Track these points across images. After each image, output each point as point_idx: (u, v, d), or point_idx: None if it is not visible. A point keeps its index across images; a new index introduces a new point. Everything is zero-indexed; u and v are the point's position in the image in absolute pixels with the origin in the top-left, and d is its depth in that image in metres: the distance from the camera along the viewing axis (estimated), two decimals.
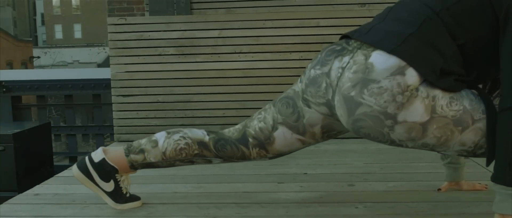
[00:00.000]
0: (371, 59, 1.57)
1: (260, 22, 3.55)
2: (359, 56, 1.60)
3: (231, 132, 1.93)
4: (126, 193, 2.01)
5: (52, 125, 5.34)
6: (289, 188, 2.34)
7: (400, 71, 1.53)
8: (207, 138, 1.93)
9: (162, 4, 3.71)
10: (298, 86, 1.83)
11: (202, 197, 2.21)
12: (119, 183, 1.98)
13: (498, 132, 1.53)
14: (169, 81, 3.61)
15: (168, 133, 1.96)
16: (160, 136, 1.96)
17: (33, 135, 4.36)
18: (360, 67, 1.58)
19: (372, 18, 1.78)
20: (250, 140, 1.88)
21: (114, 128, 3.68)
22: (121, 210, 2.00)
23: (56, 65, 28.65)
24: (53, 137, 5.37)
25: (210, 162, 1.98)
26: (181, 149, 1.92)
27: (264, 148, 1.88)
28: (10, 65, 27.49)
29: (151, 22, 3.60)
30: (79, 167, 1.96)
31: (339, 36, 3.40)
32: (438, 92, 1.56)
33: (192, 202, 2.14)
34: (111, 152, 1.98)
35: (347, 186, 2.35)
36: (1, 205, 2.22)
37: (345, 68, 1.62)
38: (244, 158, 1.93)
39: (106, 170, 1.95)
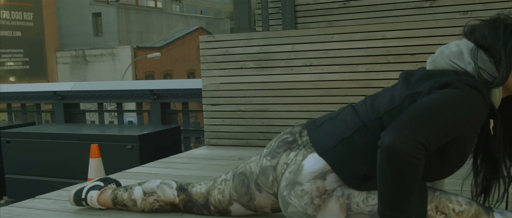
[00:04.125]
0: (304, 161, 1.71)
1: (329, 36, 3.68)
2: (300, 156, 1.74)
3: (198, 195, 2.12)
4: None
5: (192, 129, 6.07)
6: None
7: (322, 176, 1.67)
8: (177, 200, 2.15)
9: (245, 22, 4.06)
10: (254, 167, 1.94)
11: None
12: None
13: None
14: (249, 92, 3.95)
15: (145, 194, 2.19)
16: (138, 196, 2.19)
17: (160, 136, 5.07)
18: (295, 168, 1.73)
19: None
20: (212, 207, 2.10)
21: (205, 133, 4.15)
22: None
23: None
24: (194, 140, 6.10)
25: None
26: (156, 209, 2.20)
27: (224, 214, 2.11)
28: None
29: (234, 38, 3.99)
30: (77, 203, 2.30)
31: (405, 48, 3.40)
32: (353, 190, 1.65)
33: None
34: (102, 200, 2.26)
35: None
36: (36, 197, 2.68)
37: (288, 165, 1.77)
38: (209, 215, 2.16)
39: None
